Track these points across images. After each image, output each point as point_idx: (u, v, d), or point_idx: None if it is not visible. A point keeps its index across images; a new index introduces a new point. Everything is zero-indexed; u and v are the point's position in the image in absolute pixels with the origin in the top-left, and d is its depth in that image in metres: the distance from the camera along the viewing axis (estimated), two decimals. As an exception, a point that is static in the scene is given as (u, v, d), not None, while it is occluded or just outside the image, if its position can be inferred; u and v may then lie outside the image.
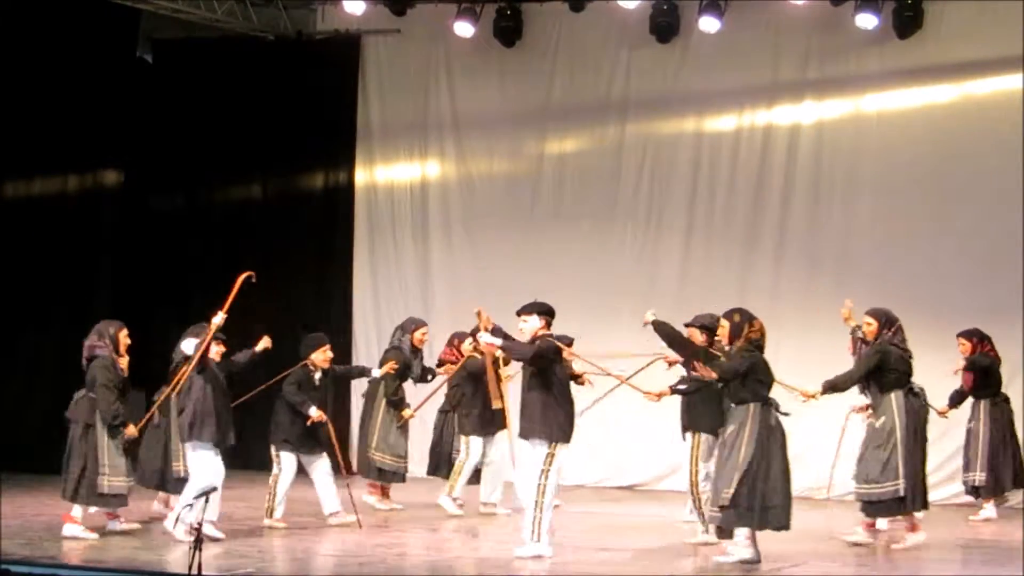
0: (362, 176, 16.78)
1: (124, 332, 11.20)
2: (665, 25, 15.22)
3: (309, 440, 11.86)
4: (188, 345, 11.17)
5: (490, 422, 12.63)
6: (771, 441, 9.69)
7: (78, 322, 15.68)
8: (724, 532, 9.90)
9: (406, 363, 13.10)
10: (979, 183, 14.40)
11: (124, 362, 11.18)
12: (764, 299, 15.06)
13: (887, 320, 10.78)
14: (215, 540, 10.54)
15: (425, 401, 13.46)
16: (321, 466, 11.95)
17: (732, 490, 9.59)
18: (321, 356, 12.02)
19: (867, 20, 14.44)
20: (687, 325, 10.92)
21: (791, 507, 9.75)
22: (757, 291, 15.11)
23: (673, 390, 10.98)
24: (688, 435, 10.96)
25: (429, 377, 13.42)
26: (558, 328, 15.31)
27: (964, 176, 14.50)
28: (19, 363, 15.50)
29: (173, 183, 17.12)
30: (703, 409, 10.71)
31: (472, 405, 12.82)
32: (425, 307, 16.22)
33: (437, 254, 16.45)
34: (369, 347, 16.43)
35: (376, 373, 12.94)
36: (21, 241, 15.61)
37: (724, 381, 9.87)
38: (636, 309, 15.47)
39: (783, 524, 9.73)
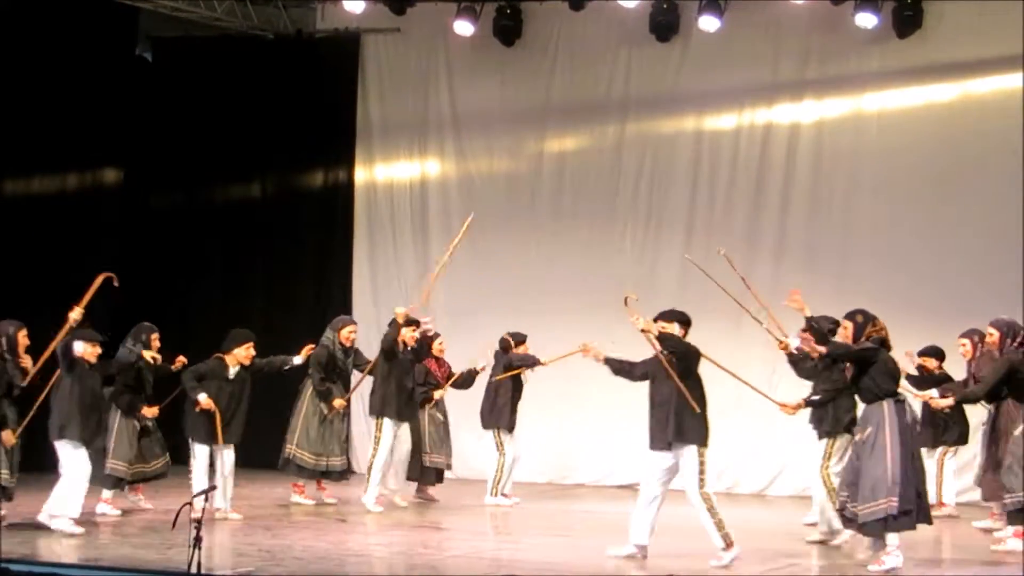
0: (362, 174, 16.79)
1: (23, 332, 11.29)
2: (665, 24, 15.23)
3: (224, 430, 11.97)
4: (78, 346, 11.26)
5: (404, 406, 12.82)
6: (910, 437, 9.75)
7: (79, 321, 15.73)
8: (857, 527, 9.89)
9: (331, 359, 13.17)
10: (979, 182, 14.40)
11: (27, 362, 11.24)
12: (764, 298, 15.08)
13: (1010, 329, 10.94)
14: (72, 535, 10.80)
15: (352, 391, 13.47)
16: (226, 459, 12.04)
17: (895, 499, 9.55)
18: (243, 352, 12.10)
19: (867, 19, 14.44)
20: (804, 330, 11.00)
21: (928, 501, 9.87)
22: (757, 289, 15.11)
23: (807, 402, 10.97)
24: (825, 438, 11.05)
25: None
26: (556, 327, 15.44)
27: (964, 175, 14.50)
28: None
29: (173, 181, 17.13)
30: (844, 407, 10.83)
31: (385, 387, 12.85)
32: (425, 306, 16.21)
33: (437, 253, 16.38)
34: (370, 345, 16.40)
35: (297, 360, 12.82)
36: (21, 239, 15.58)
37: (833, 358, 10.07)
38: (635, 307, 15.54)
39: (930, 519, 9.82)
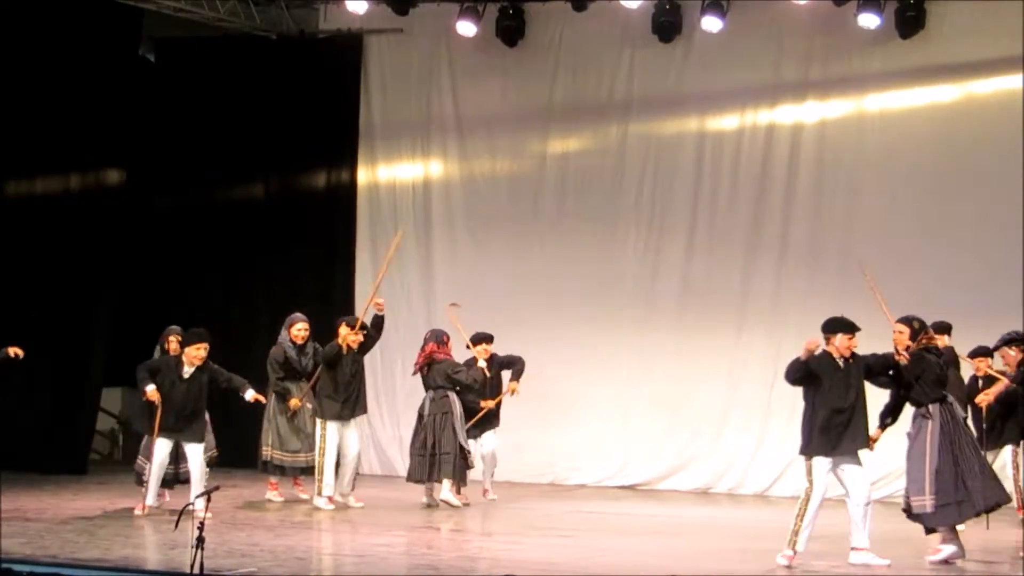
0: (364, 175, 16.78)
1: None
2: (668, 25, 15.21)
3: (185, 428, 12.04)
4: None
5: (346, 408, 12.96)
6: (955, 434, 10.09)
7: (80, 321, 15.77)
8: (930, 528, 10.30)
9: (286, 357, 13.34)
10: (981, 183, 14.39)
11: None
12: (766, 299, 15.11)
13: None
14: None
15: (309, 388, 13.43)
16: (191, 456, 12.06)
17: (932, 495, 9.96)
18: (193, 352, 12.11)
19: (869, 20, 14.43)
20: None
21: (986, 493, 10.06)
22: (759, 290, 15.14)
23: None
24: None
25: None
26: (558, 328, 15.45)
27: (966, 176, 14.49)
28: (22, 362, 15.48)
29: (176, 182, 17.12)
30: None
31: (327, 391, 12.98)
32: (427, 306, 16.24)
33: (439, 254, 16.43)
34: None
35: (248, 397, 12.44)
36: (23, 240, 15.60)
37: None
38: (638, 308, 15.60)
39: (977, 511, 10.10)
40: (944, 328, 12.11)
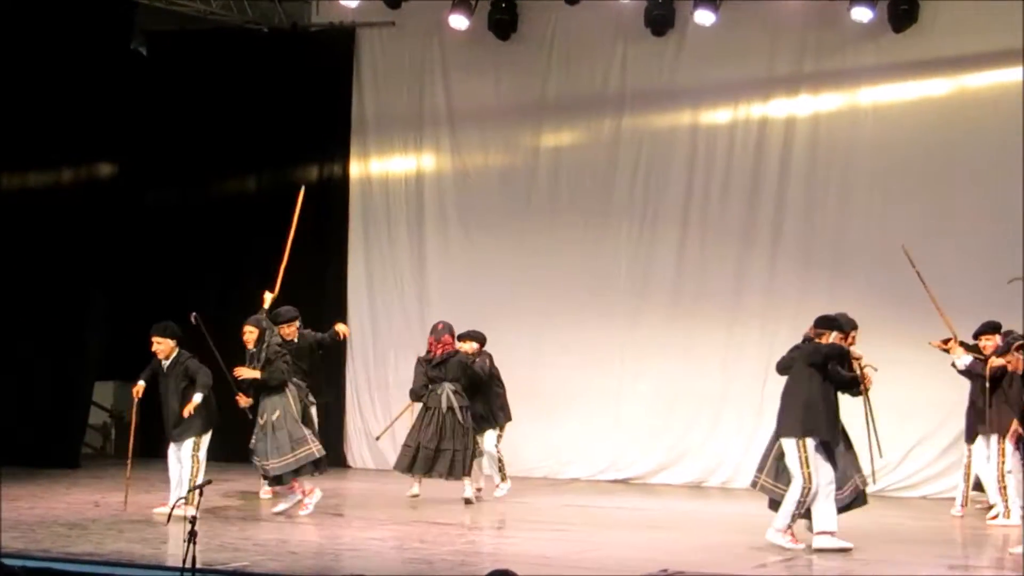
0: (357, 169, 16.77)
1: None
2: (660, 18, 15.21)
3: (171, 429, 11.91)
4: None
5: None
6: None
7: (72, 315, 15.74)
8: None
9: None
10: (975, 177, 14.39)
11: None
12: (759, 293, 15.10)
13: None
14: None
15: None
16: (184, 448, 11.90)
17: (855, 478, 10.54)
18: (154, 346, 11.98)
19: (862, 14, 14.42)
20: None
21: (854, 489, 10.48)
22: (752, 284, 15.14)
23: None
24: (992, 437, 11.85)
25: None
26: (551, 322, 15.45)
27: (960, 170, 14.49)
28: (14, 357, 15.48)
29: (168, 176, 17.10)
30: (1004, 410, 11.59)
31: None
32: (420, 300, 16.23)
33: (432, 247, 16.43)
34: (364, 340, 16.42)
35: (197, 398, 11.92)
36: (15, 234, 15.57)
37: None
38: (631, 302, 15.60)
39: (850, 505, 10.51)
40: (994, 328, 12.23)
